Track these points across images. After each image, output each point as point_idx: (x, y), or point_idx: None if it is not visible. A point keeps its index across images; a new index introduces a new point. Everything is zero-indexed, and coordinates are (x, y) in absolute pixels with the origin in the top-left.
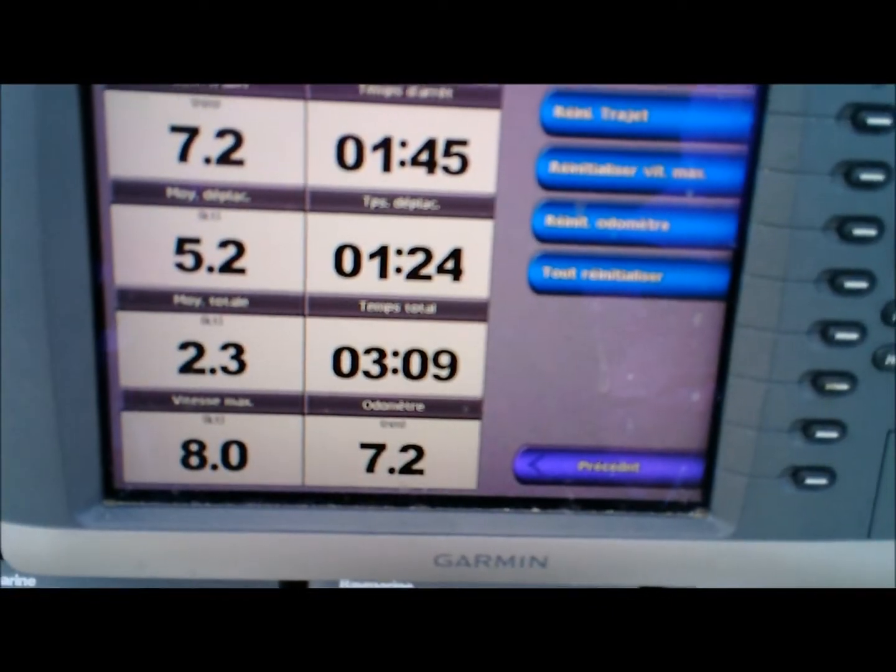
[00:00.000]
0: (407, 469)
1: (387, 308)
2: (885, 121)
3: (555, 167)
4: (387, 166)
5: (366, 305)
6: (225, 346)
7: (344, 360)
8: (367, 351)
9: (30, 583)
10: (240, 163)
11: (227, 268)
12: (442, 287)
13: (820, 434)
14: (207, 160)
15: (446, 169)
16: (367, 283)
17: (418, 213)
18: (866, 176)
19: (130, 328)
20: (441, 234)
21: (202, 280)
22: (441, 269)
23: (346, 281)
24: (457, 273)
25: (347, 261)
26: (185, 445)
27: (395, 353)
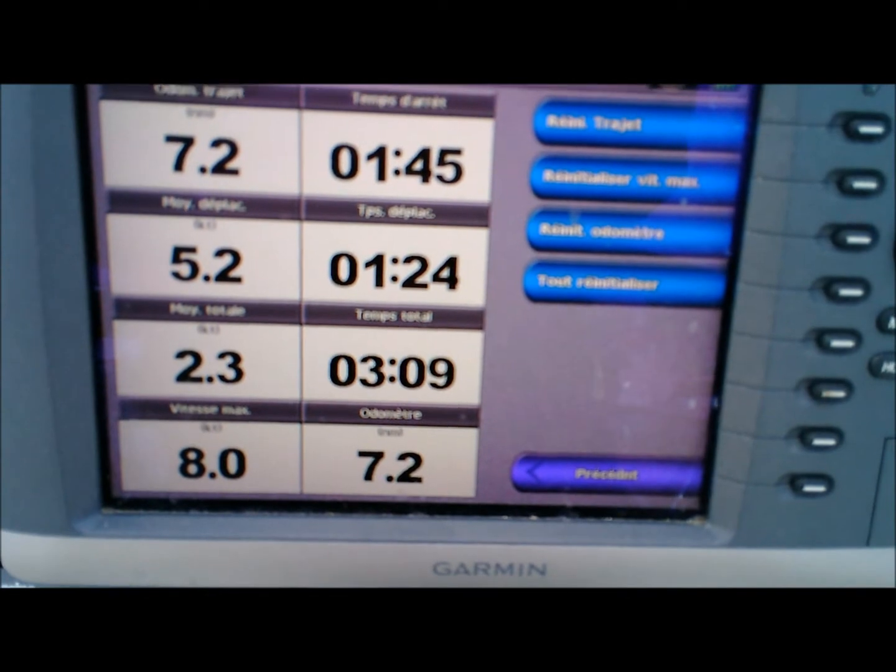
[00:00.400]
0: (405, 477)
1: (383, 316)
2: (876, 129)
3: (549, 176)
4: (381, 175)
5: (362, 314)
6: (222, 355)
7: (341, 369)
8: (364, 359)
9: None
10: (235, 172)
11: (223, 277)
12: (438, 295)
13: (817, 441)
14: (203, 169)
15: (441, 178)
16: (363, 291)
17: (413, 221)
18: (859, 184)
19: (127, 337)
20: (436, 243)
21: (199, 289)
22: (437, 278)
23: (343, 289)
24: (452, 281)
25: (343, 269)
26: (184, 454)
27: (392, 362)
